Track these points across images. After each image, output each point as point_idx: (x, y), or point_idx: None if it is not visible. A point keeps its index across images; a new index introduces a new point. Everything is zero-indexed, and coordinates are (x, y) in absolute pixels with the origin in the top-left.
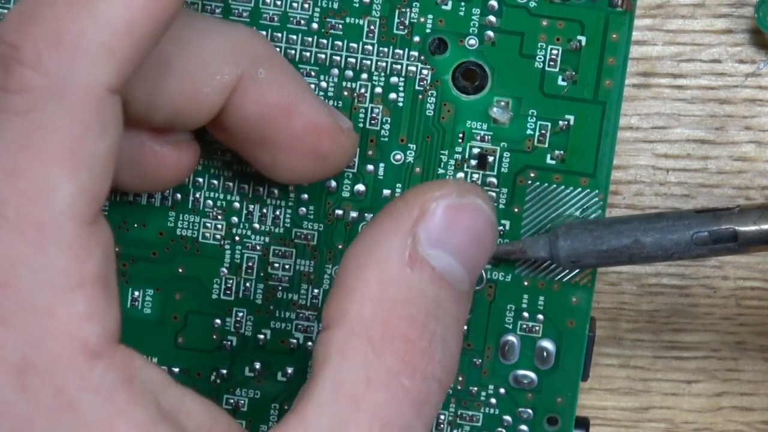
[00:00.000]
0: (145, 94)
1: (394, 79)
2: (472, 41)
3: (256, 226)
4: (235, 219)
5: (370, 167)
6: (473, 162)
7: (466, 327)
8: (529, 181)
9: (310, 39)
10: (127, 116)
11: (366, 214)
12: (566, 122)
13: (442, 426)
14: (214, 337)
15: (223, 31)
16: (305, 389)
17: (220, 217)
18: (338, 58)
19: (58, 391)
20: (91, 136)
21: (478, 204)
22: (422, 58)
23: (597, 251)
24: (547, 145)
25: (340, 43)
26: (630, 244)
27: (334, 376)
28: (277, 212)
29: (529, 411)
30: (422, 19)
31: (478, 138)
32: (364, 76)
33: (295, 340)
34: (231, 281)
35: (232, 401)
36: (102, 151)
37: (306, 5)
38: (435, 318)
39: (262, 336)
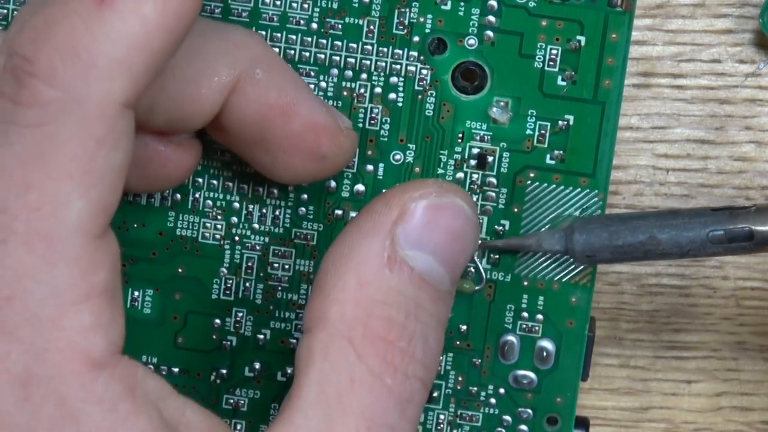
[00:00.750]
0: (144, 98)
1: (393, 79)
2: (471, 41)
3: (256, 226)
4: (234, 219)
5: (370, 167)
6: (473, 162)
7: (466, 327)
8: (529, 181)
9: (309, 39)
10: None
11: None
12: (566, 122)
13: (441, 426)
14: (214, 337)
15: (220, 32)
16: (291, 393)
17: (219, 217)
18: (338, 58)
19: (61, 402)
20: (104, 152)
21: (457, 203)
22: (422, 58)
23: (612, 246)
24: (546, 145)
25: (339, 43)
26: (645, 240)
27: (318, 378)
28: (277, 212)
29: (529, 411)
30: (422, 19)
31: (478, 138)
32: (364, 76)
33: (294, 340)
34: (231, 281)
35: (231, 401)
36: (114, 166)
37: (305, 5)
38: (415, 318)
39: (261, 336)
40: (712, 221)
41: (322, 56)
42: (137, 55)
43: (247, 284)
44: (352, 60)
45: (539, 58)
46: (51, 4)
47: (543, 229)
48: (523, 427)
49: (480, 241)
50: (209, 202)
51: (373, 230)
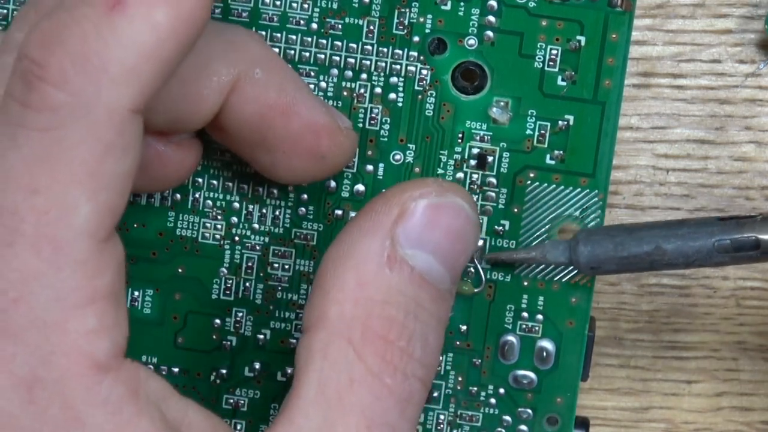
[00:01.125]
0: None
1: (393, 79)
2: (471, 41)
3: (256, 226)
4: (234, 219)
5: (370, 167)
6: (473, 162)
7: (466, 327)
8: (529, 182)
9: (309, 39)
10: None
11: None
12: (566, 122)
13: (441, 426)
14: (214, 337)
15: (219, 33)
16: (291, 392)
17: (219, 217)
18: (338, 58)
19: (66, 405)
20: (112, 156)
21: (457, 203)
22: (422, 58)
23: (618, 257)
24: (546, 145)
25: (339, 44)
26: (651, 250)
27: (318, 378)
28: (277, 212)
29: (529, 411)
30: (421, 19)
31: (478, 138)
32: (364, 76)
33: (294, 340)
34: (231, 281)
35: (231, 401)
36: (122, 171)
37: (305, 5)
38: (414, 317)
39: (261, 336)
40: (719, 230)
41: (322, 56)
42: (148, 62)
43: (247, 284)
44: (352, 60)
45: (539, 58)
46: (62, 8)
47: (543, 230)
48: (523, 427)
49: (485, 254)
50: (209, 202)
51: (372, 229)
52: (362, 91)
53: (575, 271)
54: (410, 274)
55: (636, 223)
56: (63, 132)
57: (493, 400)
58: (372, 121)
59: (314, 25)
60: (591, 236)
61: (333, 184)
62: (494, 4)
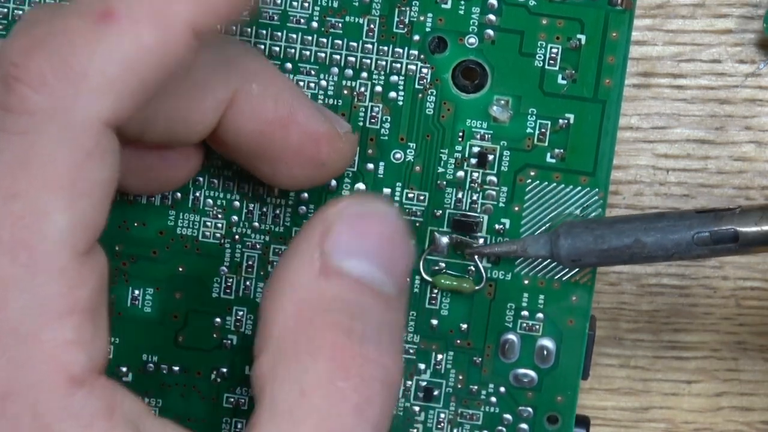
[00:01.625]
0: (138, 116)
1: (393, 78)
2: (471, 40)
3: (256, 224)
4: (235, 218)
5: (370, 166)
6: (473, 161)
7: (467, 325)
8: (529, 180)
9: (309, 38)
10: (122, 138)
11: None
12: (566, 121)
13: (442, 425)
14: (215, 335)
15: (214, 48)
16: (249, 422)
17: (220, 216)
18: (338, 57)
19: (38, 417)
20: (90, 165)
21: (381, 208)
22: (422, 56)
23: (598, 250)
24: (546, 144)
25: (339, 42)
26: (631, 243)
27: (269, 399)
28: (277, 211)
29: (530, 410)
30: (422, 18)
31: (478, 137)
32: (364, 74)
33: None
34: (231, 280)
35: (232, 400)
36: (100, 180)
37: (306, 4)
38: (361, 320)
39: None
40: (697, 223)
41: (323, 55)
42: (128, 76)
43: (248, 283)
44: (353, 59)
45: (539, 56)
46: (52, 17)
47: (543, 228)
48: (524, 425)
49: (468, 249)
50: (209, 200)
51: (302, 249)
52: (362, 89)
53: (576, 270)
54: (348, 280)
55: (617, 216)
56: (41, 136)
57: (493, 399)
58: (372, 120)
59: (314, 24)
60: (571, 229)
61: (333, 183)
62: (494, 2)
